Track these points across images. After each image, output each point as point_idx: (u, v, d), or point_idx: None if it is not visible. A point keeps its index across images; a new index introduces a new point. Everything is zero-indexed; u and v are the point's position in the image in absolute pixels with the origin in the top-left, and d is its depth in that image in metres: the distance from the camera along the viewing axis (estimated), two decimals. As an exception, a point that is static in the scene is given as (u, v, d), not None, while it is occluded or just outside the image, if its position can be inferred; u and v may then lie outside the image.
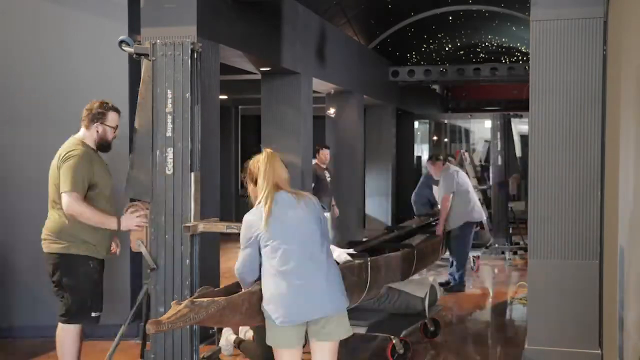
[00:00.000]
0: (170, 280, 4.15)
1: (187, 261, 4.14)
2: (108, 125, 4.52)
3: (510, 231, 11.28)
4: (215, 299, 3.49)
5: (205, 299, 3.46)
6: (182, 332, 4.09)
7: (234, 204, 14.50)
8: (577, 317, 5.11)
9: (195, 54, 4.15)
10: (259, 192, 3.57)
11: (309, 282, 3.47)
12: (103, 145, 4.57)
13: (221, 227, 4.31)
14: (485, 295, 8.53)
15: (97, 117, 4.50)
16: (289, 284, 3.45)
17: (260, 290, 3.58)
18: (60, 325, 4.49)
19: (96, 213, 4.36)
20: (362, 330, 5.49)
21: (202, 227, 4.17)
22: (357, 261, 5.10)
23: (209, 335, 5.76)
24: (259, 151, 3.72)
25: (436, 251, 7.39)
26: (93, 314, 4.52)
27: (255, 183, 3.61)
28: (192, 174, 4.14)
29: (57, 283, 4.46)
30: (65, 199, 4.31)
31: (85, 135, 4.53)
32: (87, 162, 4.39)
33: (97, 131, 4.51)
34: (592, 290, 5.09)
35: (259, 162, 3.61)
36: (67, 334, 4.48)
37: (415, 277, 6.53)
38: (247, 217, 3.58)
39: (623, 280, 3.62)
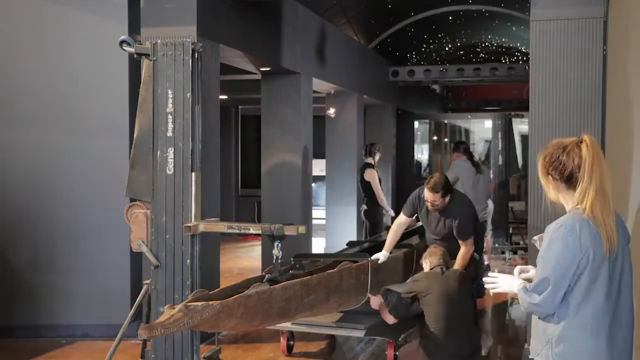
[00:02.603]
0: (171, 280, 4.15)
1: (188, 261, 4.14)
2: None
3: (510, 231, 11.26)
4: (210, 302, 3.41)
5: (199, 303, 3.39)
6: (183, 332, 4.08)
7: (234, 204, 14.48)
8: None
9: (196, 54, 4.15)
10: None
11: None
12: None
13: (222, 227, 4.31)
14: (485, 296, 8.52)
15: None
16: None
17: (257, 292, 3.50)
18: None
19: None
20: (360, 334, 5.44)
21: (202, 227, 4.16)
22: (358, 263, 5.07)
23: (209, 335, 5.76)
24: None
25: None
26: None
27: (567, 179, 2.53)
28: (193, 173, 4.14)
29: None
30: None
31: None
32: None
33: None
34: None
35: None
36: None
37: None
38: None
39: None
